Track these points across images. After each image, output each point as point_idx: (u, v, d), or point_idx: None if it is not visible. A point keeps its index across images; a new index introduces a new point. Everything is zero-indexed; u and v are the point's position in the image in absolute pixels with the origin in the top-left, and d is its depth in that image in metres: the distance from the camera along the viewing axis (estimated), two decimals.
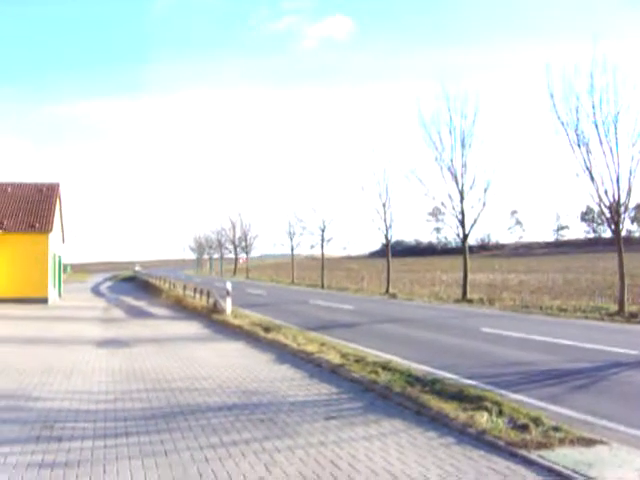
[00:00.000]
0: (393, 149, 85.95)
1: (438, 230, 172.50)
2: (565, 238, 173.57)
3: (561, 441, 7.61)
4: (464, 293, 36.63)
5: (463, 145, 36.48)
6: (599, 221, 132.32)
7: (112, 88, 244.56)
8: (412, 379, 11.36)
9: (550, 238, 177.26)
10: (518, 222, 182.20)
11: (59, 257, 47.58)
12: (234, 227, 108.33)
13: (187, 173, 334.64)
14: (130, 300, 43.42)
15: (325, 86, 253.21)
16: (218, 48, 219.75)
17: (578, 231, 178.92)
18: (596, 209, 30.34)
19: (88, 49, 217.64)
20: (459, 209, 36.64)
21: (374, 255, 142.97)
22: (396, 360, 14.10)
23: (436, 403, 9.57)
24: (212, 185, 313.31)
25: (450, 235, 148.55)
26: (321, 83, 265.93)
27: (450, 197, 36.97)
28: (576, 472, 6.61)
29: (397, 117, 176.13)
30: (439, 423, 8.88)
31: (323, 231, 59.23)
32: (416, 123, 61.01)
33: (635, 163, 24.58)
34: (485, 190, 36.17)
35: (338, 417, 9.44)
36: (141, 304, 38.52)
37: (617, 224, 25.66)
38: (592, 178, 25.31)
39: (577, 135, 25.70)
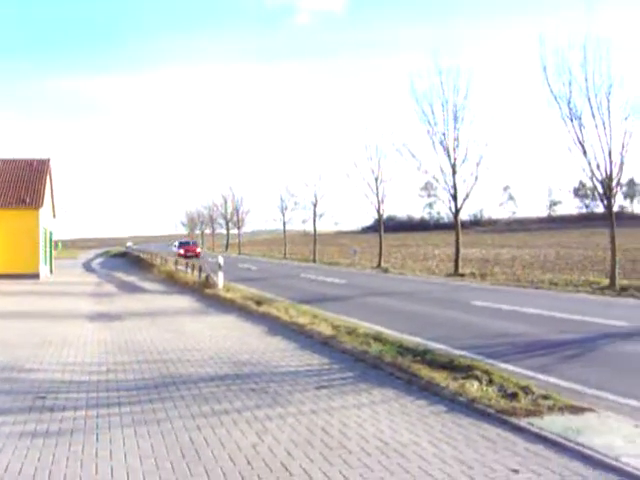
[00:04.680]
0: (386, 124, 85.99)
1: (430, 205, 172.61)
2: (558, 213, 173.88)
3: (550, 409, 7.68)
4: (456, 267, 36.69)
5: (455, 119, 36.44)
6: (592, 196, 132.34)
7: (103, 65, 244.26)
8: (403, 350, 11.40)
9: (543, 213, 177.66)
10: (511, 197, 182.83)
11: (50, 233, 47.48)
12: (226, 202, 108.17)
13: (179, 149, 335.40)
14: (122, 275, 43.44)
15: (319, 62, 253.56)
16: (211, 24, 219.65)
17: (571, 207, 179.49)
18: (589, 184, 30.31)
19: (78, 26, 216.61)
20: (451, 183, 36.62)
21: (366, 230, 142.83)
22: (388, 332, 14.17)
23: (427, 373, 9.63)
24: (204, 160, 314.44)
25: (443, 210, 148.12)
26: (314, 59, 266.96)
27: (442, 171, 36.95)
28: (564, 438, 6.67)
29: (390, 92, 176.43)
30: (430, 392, 8.95)
31: (315, 206, 59.37)
32: (409, 97, 60.70)
33: (627, 137, 24.64)
34: (477, 164, 36.16)
35: (329, 386, 9.51)
36: (133, 279, 38.56)
37: (609, 199, 25.70)
38: (584, 152, 25.33)
39: (570, 108, 25.71)
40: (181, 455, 6.56)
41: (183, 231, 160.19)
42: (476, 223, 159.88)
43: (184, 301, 23.99)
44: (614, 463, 6.00)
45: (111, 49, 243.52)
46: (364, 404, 8.47)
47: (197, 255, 71.21)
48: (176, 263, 40.35)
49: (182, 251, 74.11)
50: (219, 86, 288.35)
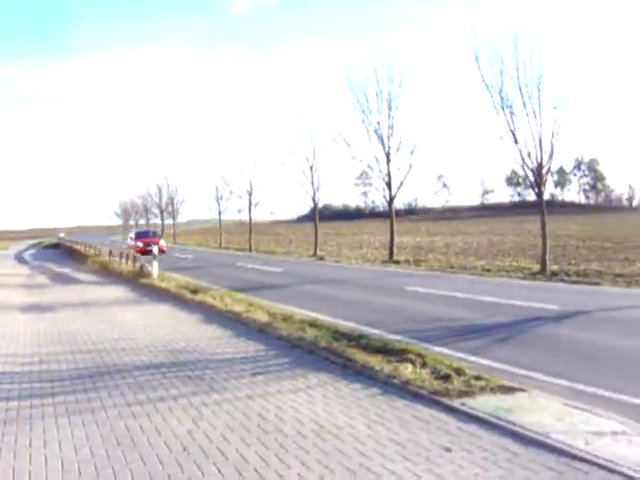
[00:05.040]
0: (321, 112, 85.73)
1: (366, 194, 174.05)
2: (490, 202, 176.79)
3: (482, 389, 7.87)
4: (391, 255, 36.95)
5: (390, 108, 36.58)
6: (523, 185, 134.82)
7: (34, 51, 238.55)
8: (339, 335, 11.53)
9: (476, 202, 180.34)
10: (445, 186, 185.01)
11: None
12: (160, 192, 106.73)
13: (112, 137, 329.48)
14: (55, 267, 42.67)
15: (256, 49, 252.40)
16: (145, 9, 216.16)
17: (503, 195, 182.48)
18: (520, 172, 30.81)
19: (10, 11, 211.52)
20: (385, 171, 36.78)
21: (302, 219, 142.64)
22: (323, 318, 14.25)
23: (362, 357, 9.75)
24: (138, 150, 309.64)
25: (378, 199, 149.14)
26: (252, 46, 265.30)
27: (377, 160, 37.07)
28: (496, 417, 6.84)
29: (326, 80, 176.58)
30: (365, 375, 9.06)
31: (250, 195, 58.98)
32: (344, 86, 60.79)
33: (557, 126, 25.08)
34: (411, 152, 36.35)
35: (265, 372, 9.57)
36: (66, 270, 37.91)
37: (540, 187, 26.14)
38: (516, 140, 25.70)
39: (501, 97, 26.04)
40: (116, 443, 6.56)
41: (117, 221, 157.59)
42: (411, 212, 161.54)
43: (118, 291, 23.71)
44: (544, 440, 6.18)
45: (35, 34, 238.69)
46: (300, 389, 8.54)
47: (162, 250, 47.66)
48: (110, 253, 39.68)
49: (140, 244, 51.09)
50: (152, 73, 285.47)
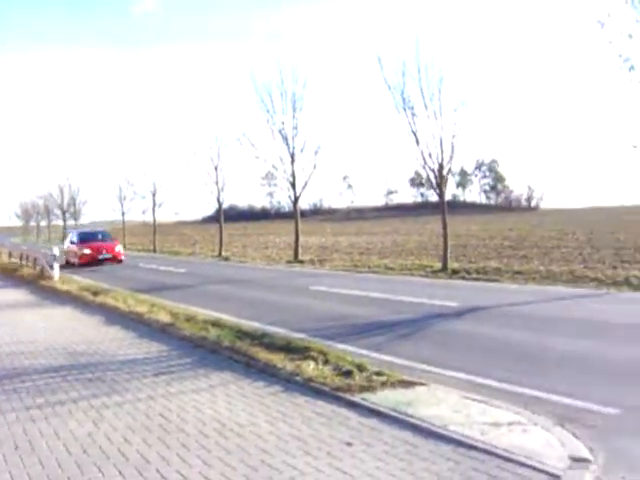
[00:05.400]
0: (226, 112, 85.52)
1: (271, 195, 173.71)
2: (395, 202, 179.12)
3: (383, 384, 8.01)
4: (296, 255, 37.07)
5: (294, 108, 36.69)
6: (427, 185, 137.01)
7: None
8: (242, 334, 11.55)
9: (380, 202, 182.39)
10: (350, 186, 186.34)
11: None
12: (62, 192, 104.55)
13: (9, 137, 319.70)
14: None
15: (164, 49, 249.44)
16: (51, 6, 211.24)
17: (407, 195, 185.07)
18: (423, 173, 31.14)
19: None
20: (290, 172, 36.84)
21: (207, 220, 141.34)
22: (227, 318, 14.24)
23: (264, 355, 9.81)
24: (39, 149, 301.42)
25: (283, 199, 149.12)
26: (160, 46, 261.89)
27: (281, 160, 37.09)
28: (396, 411, 6.99)
29: (231, 81, 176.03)
30: (267, 374, 9.12)
31: (154, 195, 58.28)
32: (249, 86, 60.79)
33: (458, 128, 25.54)
34: (315, 153, 36.53)
35: (168, 373, 9.54)
36: None
37: (441, 187, 26.59)
38: (417, 141, 26.07)
39: (403, 99, 26.38)
40: (14, 447, 6.48)
41: (18, 222, 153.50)
42: (316, 212, 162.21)
43: (18, 294, 23.12)
44: (442, 432, 6.35)
45: None
46: (202, 388, 8.54)
47: (117, 258, 38.34)
48: (10, 255, 38.60)
49: (88, 251, 37.22)
50: (56, 71, 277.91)
